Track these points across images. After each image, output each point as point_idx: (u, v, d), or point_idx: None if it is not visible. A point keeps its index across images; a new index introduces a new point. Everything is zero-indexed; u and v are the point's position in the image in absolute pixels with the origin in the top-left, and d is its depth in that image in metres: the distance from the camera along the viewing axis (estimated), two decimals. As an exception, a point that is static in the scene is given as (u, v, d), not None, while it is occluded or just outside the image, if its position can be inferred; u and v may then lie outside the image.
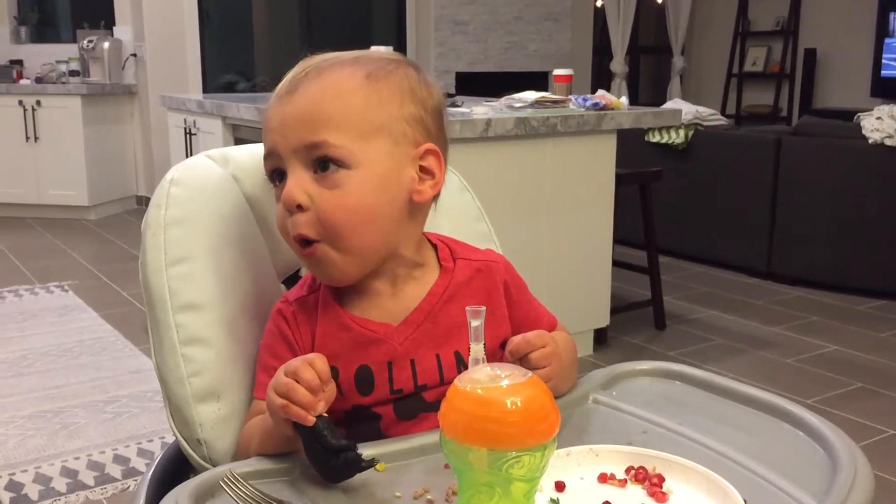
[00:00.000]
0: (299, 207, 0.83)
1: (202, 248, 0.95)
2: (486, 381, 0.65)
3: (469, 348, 0.69)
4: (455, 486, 0.74)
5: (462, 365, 0.89)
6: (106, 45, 5.60)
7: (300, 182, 0.83)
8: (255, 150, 1.07)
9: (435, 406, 0.87)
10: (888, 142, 3.61)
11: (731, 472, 0.78)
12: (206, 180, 1.00)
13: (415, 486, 0.77)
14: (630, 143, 4.05)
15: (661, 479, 0.77)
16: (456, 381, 0.66)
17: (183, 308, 0.92)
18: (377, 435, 0.87)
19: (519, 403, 0.64)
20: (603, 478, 0.78)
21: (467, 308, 0.69)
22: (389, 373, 0.88)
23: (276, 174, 0.86)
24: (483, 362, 0.68)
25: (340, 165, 0.82)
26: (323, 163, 0.82)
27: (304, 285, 0.93)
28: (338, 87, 0.84)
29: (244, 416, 0.93)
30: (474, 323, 0.69)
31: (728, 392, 0.95)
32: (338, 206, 0.82)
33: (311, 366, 0.76)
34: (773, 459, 0.80)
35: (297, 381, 0.76)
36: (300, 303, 0.91)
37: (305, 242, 0.84)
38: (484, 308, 0.70)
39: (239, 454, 0.89)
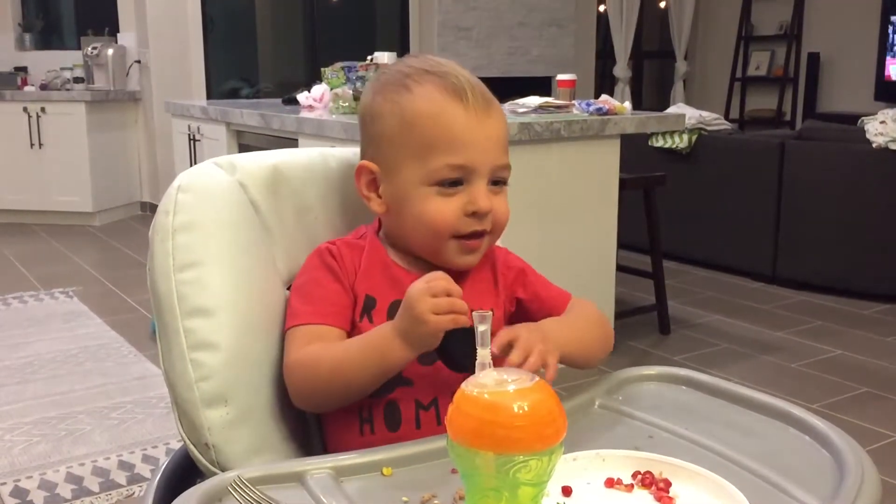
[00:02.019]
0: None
1: (210, 254, 0.96)
2: (493, 386, 0.66)
3: (479, 333, 0.72)
4: (462, 491, 0.74)
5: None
6: (110, 51, 5.62)
7: (486, 192, 0.96)
8: (262, 158, 1.08)
9: None
10: (892, 146, 3.61)
11: (738, 476, 0.78)
12: (214, 187, 1.01)
13: (422, 491, 0.77)
14: (634, 148, 4.06)
15: (668, 483, 0.77)
16: (463, 385, 0.67)
17: (191, 313, 0.93)
18: (398, 378, 0.92)
19: (526, 408, 0.64)
20: (610, 483, 0.78)
21: (474, 313, 0.70)
22: None
23: (455, 180, 0.95)
24: (490, 367, 0.69)
25: (505, 182, 1.00)
26: (501, 180, 0.98)
27: (348, 237, 1.04)
28: (503, 113, 1.00)
29: (252, 420, 0.94)
30: (481, 328, 0.70)
31: (734, 397, 0.95)
32: (504, 211, 0.99)
33: (447, 278, 0.85)
34: (779, 464, 0.80)
35: (449, 295, 0.84)
36: (345, 243, 1.01)
37: (478, 235, 0.97)
38: (490, 313, 0.70)
39: (302, 380, 0.93)
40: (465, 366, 0.81)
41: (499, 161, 0.97)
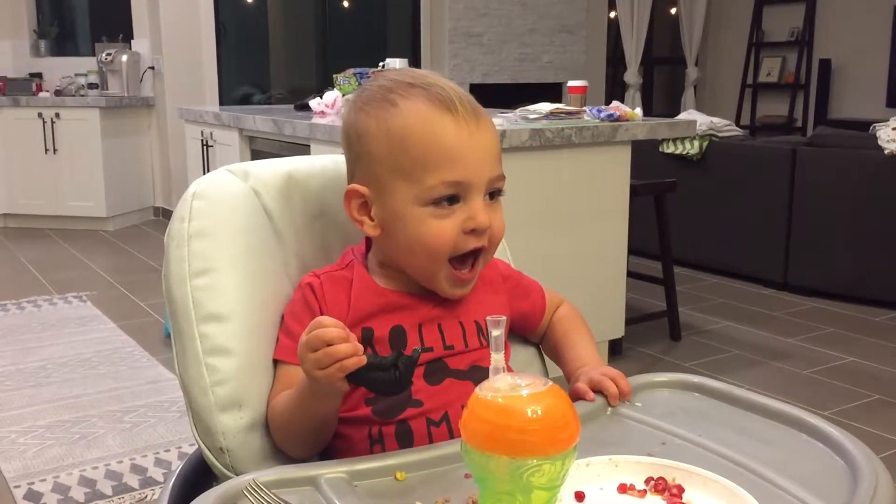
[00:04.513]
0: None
1: (225, 260, 0.97)
2: (506, 390, 0.66)
3: (488, 329, 0.72)
4: (475, 496, 0.74)
5: (481, 332, 0.99)
6: (124, 58, 5.66)
7: (484, 207, 0.93)
8: (275, 165, 1.09)
9: (459, 374, 0.95)
10: (905, 152, 3.59)
11: (751, 483, 0.78)
12: (228, 194, 1.02)
13: (435, 496, 0.77)
14: (645, 154, 4.06)
15: (681, 489, 0.77)
16: (477, 389, 0.67)
17: (206, 318, 0.94)
18: (408, 400, 0.92)
19: (539, 412, 0.64)
20: (622, 488, 0.78)
21: (488, 318, 0.71)
22: (420, 332, 0.96)
23: (452, 197, 0.91)
24: (504, 371, 0.69)
25: (501, 193, 0.96)
26: (496, 192, 0.95)
27: (333, 266, 1.01)
28: (493, 123, 0.96)
29: (266, 425, 0.95)
30: (495, 332, 0.70)
31: (747, 404, 0.95)
32: (500, 226, 0.96)
33: (324, 325, 0.80)
34: (793, 471, 0.80)
35: (329, 344, 0.79)
36: (328, 276, 0.98)
37: (474, 255, 0.94)
38: (504, 318, 0.71)
39: (273, 432, 0.94)
40: (396, 391, 0.83)
41: (494, 172, 0.93)
